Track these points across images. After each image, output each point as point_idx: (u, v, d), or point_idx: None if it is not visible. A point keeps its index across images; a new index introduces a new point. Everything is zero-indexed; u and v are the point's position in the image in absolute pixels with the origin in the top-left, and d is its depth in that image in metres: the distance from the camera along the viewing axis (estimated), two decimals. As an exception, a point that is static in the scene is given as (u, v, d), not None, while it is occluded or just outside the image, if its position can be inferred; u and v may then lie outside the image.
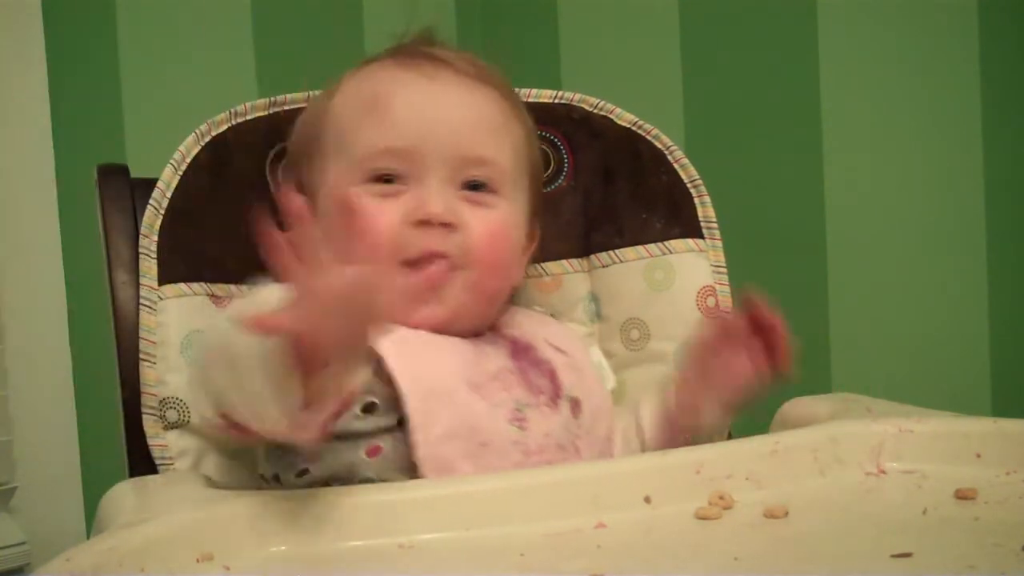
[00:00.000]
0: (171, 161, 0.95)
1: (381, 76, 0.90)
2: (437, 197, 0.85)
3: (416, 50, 0.91)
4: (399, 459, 0.80)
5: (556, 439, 0.85)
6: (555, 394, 0.88)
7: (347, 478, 0.80)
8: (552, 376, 0.89)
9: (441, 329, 0.86)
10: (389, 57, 0.92)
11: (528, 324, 0.94)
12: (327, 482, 0.80)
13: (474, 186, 0.87)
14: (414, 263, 0.85)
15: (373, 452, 0.81)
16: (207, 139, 0.97)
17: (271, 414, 0.65)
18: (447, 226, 0.85)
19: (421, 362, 0.83)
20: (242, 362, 0.65)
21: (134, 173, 0.99)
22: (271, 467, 0.84)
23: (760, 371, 0.84)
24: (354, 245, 0.85)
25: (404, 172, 0.86)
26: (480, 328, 0.90)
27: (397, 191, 0.86)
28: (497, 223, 0.88)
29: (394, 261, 0.85)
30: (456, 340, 0.87)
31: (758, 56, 1.52)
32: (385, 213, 0.85)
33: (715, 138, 1.56)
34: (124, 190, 0.98)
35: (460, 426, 0.81)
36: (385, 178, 0.86)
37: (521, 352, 0.90)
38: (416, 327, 0.85)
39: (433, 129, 0.86)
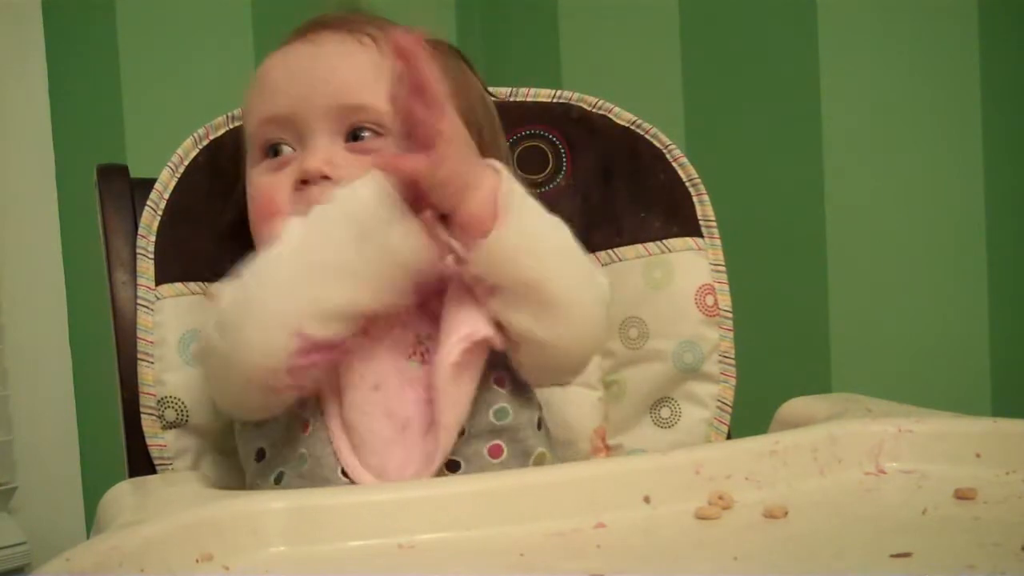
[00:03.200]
0: (168, 164, 0.96)
1: (272, 55, 0.89)
2: (316, 153, 0.84)
3: (309, 21, 0.90)
4: (322, 433, 0.81)
5: None
6: None
7: (292, 459, 0.81)
8: None
9: None
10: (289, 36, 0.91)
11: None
12: (281, 470, 0.81)
13: (358, 135, 0.85)
14: None
15: (304, 428, 0.81)
16: (204, 143, 0.97)
17: (395, 260, 0.74)
18: (327, 179, 0.83)
19: None
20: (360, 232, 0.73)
21: (134, 173, 0.99)
22: (241, 452, 0.85)
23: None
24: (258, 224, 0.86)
25: (291, 139, 0.86)
26: None
27: (287, 160, 0.86)
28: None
29: None
30: None
31: (758, 56, 1.52)
32: (278, 185, 0.85)
33: (715, 138, 1.57)
34: (124, 190, 0.98)
35: (354, 376, 0.81)
36: (275, 150, 0.86)
37: (430, 288, 0.84)
38: None
39: (308, 88, 0.85)
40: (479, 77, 0.96)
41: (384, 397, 0.81)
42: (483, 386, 0.81)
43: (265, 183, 0.86)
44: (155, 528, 0.63)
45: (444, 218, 0.76)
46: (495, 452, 0.82)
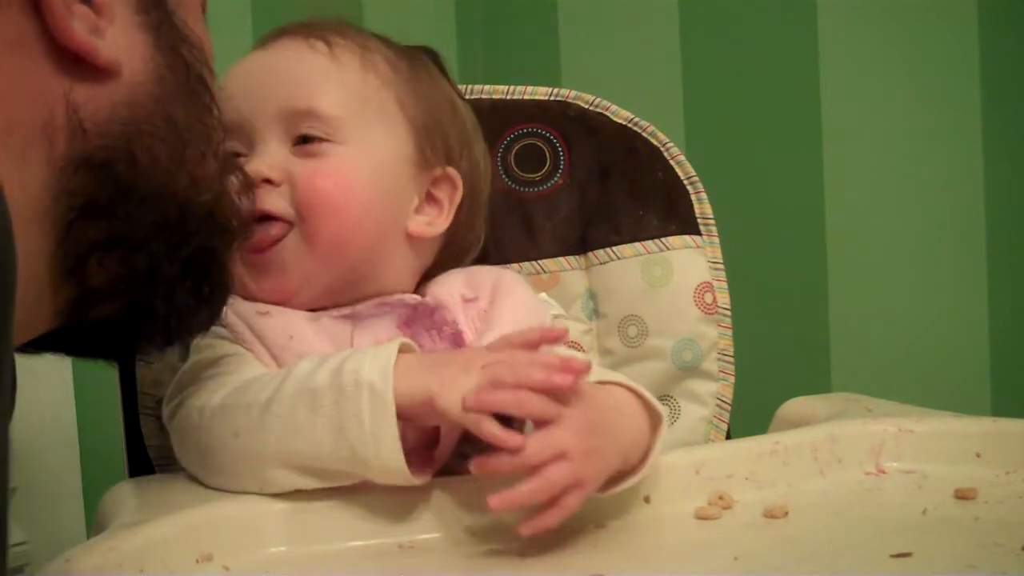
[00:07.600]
0: (166, 164, 0.96)
1: (236, 64, 0.90)
2: (261, 157, 0.84)
3: (274, 29, 0.91)
4: None
5: None
6: None
7: None
8: (456, 337, 0.86)
9: (300, 301, 0.84)
10: None
11: (450, 282, 0.90)
12: None
13: (304, 140, 0.85)
14: (247, 230, 0.82)
15: None
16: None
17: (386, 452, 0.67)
18: (269, 182, 0.83)
19: (288, 357, 0.81)
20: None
21: (134, 173, 0.99)
22: None
23: None
24: None
25: (245, 148, 0.86)
26: (355, 292, 0.86)
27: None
28: (329, 169, 0.85)
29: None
30: (326, 320, 0.84)
31: (758, 56, 1.52)
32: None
33: (715, 137, 1.56)
34: (124, 190, 0.98)
35: None
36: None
37: (420, 317, 0.86)
38: (267, 300, 0.84)
39: (258, 95, 0.86)
40: (452, 83, 0.95)
41: None
42: None
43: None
44: (155, 528, 0.63)
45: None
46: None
